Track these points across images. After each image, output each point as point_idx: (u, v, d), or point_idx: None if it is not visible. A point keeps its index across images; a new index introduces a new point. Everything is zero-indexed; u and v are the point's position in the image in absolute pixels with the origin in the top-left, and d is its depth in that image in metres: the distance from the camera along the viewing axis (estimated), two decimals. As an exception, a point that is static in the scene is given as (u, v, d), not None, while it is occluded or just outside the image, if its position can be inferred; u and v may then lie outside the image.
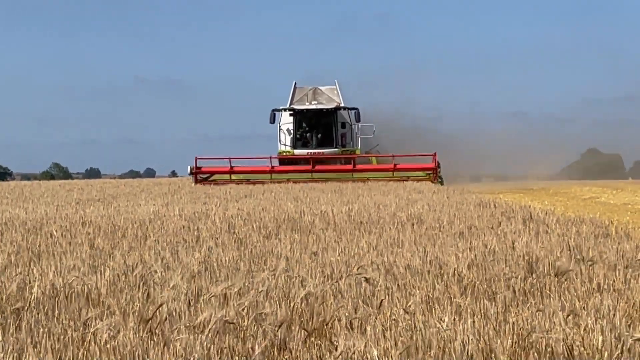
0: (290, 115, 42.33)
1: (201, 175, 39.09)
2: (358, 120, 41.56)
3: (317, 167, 39.02)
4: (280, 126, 42.53)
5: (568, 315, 6.64)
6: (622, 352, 5.78)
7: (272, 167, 39.21)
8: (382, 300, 7.58)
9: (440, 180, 37.04)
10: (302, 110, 42.25)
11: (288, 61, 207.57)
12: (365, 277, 8.84)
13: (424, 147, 42.03)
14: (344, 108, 42.37)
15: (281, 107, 42.32)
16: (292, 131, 42.34)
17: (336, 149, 41.81)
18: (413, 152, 40.64)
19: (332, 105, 42.31)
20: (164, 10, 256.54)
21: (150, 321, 6.86)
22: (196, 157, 39.08)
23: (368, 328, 6.63)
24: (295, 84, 43.63)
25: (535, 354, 5.78)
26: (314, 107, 42.43)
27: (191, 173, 39.18)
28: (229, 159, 39.20)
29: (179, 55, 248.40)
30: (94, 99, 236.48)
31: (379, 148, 43.25)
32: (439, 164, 37.73)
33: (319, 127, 42.18)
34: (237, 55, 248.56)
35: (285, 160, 41.26)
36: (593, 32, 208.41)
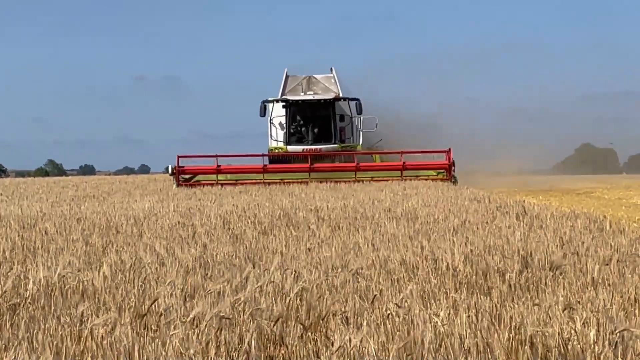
0: (283, 107, 37.71)
1: (183, 176, 34.36)
2: (360, 112, 37.21)
3: (316, 166, 34.74)
4: (271, 120, 38.00)
5: (564, 310, 6.66)
6: (615, 346, 5.78)
7: (265, 165, 35.14)
8: (375, 295, 7.59)
9: (454, 179, 33.33)
10: (296, 101, 37.64)
11: (288, 59, 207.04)
12: (359, 272, 8.86)
13: (427, 142, 38.61)
14: (344, 99, 37.87)
15: (272, 98, 37.80)
16: (284, 125, 37.67)
17: (335, 145, 37.27)
18: (418, 148, 36.57)
19: (329, 96, 37.74)
20: (160, 8, 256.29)
21: (145, 316, 6.87)
22: (178, 155, 34.49)
23: (364, 323, 6.63)
24: (287, 71, 39.30)
25: (531, 348, 5.79)
26: (309, 97, 37.83)
27: (172, 173, 34.41)
28: (216, 156, 34.64)
29: (176, 53, 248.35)
30: (89, 97, 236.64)
31: (382, 144, 39.04)
32: (453, 162, 33.68)
33: (315, 120, 37.46)
34: (235, 53, 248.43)
35: (277, 157, 36.86)
36: (591, 27, 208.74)
